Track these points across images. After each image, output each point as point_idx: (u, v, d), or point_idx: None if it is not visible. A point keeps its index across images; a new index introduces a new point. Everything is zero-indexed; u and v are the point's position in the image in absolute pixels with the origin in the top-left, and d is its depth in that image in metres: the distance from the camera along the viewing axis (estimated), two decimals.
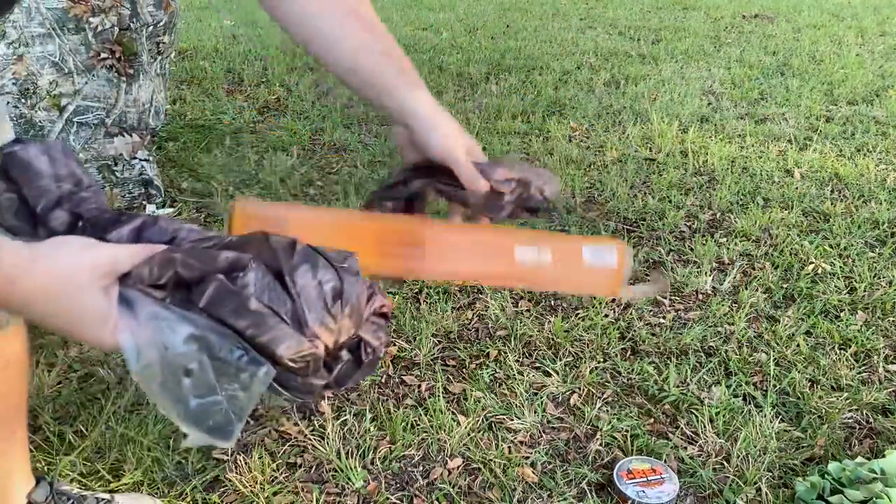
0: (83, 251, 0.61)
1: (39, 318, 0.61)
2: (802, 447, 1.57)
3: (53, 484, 1.29)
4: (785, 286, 2.18)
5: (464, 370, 1.81)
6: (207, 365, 0.60)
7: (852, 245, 2.42)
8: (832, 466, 1.42)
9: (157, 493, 1.42)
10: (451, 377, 1.78)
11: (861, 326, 1.99)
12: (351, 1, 0.88)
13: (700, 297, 2.14)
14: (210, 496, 1.42)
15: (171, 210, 2.61)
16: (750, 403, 1.70)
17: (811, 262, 2.30)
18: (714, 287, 2.18)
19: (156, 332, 0.60)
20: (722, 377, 1.79)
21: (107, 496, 1.34)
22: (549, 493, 1.46)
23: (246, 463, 1.50)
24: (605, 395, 1.73)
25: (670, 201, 2.74)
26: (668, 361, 1.84)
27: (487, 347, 1.89)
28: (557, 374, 1.79)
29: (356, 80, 0.87)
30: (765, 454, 1.54)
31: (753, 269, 2.29)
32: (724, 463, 1.53)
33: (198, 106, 3.71)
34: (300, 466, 1.51)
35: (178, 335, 0.60)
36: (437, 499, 1.44)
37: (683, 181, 2.93)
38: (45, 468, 1.46)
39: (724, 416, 1.64)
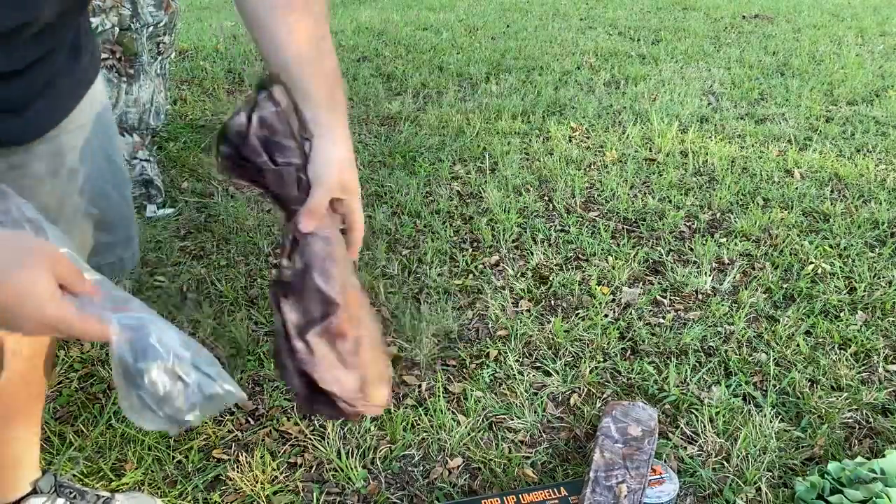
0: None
1: None
2: (802, 447, 1.57)
3: (57, 476, 1.31)
4: (785, 286, 2.18)
5: (464, 370, 1.81)
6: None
7: (852, 245, 2.42)
8: (832, 466, 1.42)
9: (158, 493, 1.42)
10: (451, 377, 1.79)
11: (861, 326, 1.99)
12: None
13: (700, 297, 2.14)
14: (211, 495, 1.42)
15: (171, 210, 2.61)
16: (750, 403, 1.70)
17: (811, 262, 2.30)
18: (714, 287, 2.18)
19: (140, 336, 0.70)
20: (722, 377, 1.79)
21: (107, 494, 1.35)
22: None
23: (247, 462, 1.50)
24: (605, 395, 1.73)
25: (670, 201, 2.74)
26: (668, 361, 1.84)
27: (487, 347, 1.89)
28: (557, 374, 1.79)
29: (286, 78, 0.87)
30: (765, 454, 1.54)
31: (753, 269, 2.29)
32: (724, 463, 1.53)
33: (198, 106, 3.72)
34: (300, 466, 1.51)
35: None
36: (437, 498, 1.45)
37: (683, 181, 2.94)
38: (46, 467, 1.46)
39: (723, 415, 1.64)
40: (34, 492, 1.27)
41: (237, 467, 1.49)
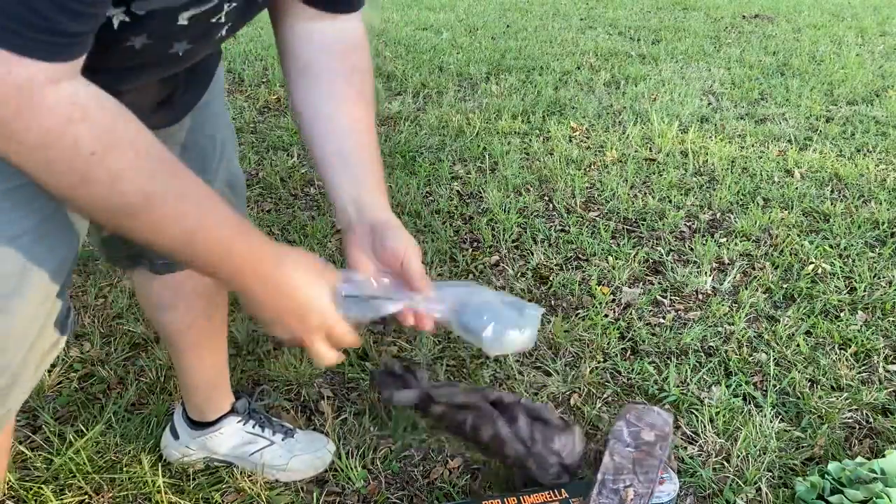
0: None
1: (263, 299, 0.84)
2: (802, 447, 1.57)
3: (251, 403, 1.52)
4: (785, 286, 2.18)
5: (464, 370, 1.81)
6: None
7: (852, 245, 2.42)
8: (832, 466, 1.42)
9: (159, 493, 1.42)
10: (451, 377, 1.79)
11: (861, 326, 1.99)
12: (360, 113, 1.04)
13: (700, 297, 2.14)
14: (212, 495, 1.42)
15: None
16: (750, 403, 1.70)
17: (811, 262, 2.30)
18: (714, 287, 2.18)
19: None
20: (722, 377, 1.79)
21: (290, 426, 1.52)
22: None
23: None
24: (605, 395, 1.73)
25: (670, 201, 2.74)
26: (668, 361, 1.84)
27: None
28: (557, 374, 1.79)
29: (328, 173, 1.02)
30: (765, 454, 1.54)
31: (753, 269, 2.29)
32: (724, 463, 1.53)
33: None
34: None
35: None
36: (437, 499, 1.45)
37: (683, 181, 2.94)
38: (45, 468, 1.46)
39: (724, 416, 1.64)
40: (232, 411, 1.46)
41: (238, 467, 1.49)
